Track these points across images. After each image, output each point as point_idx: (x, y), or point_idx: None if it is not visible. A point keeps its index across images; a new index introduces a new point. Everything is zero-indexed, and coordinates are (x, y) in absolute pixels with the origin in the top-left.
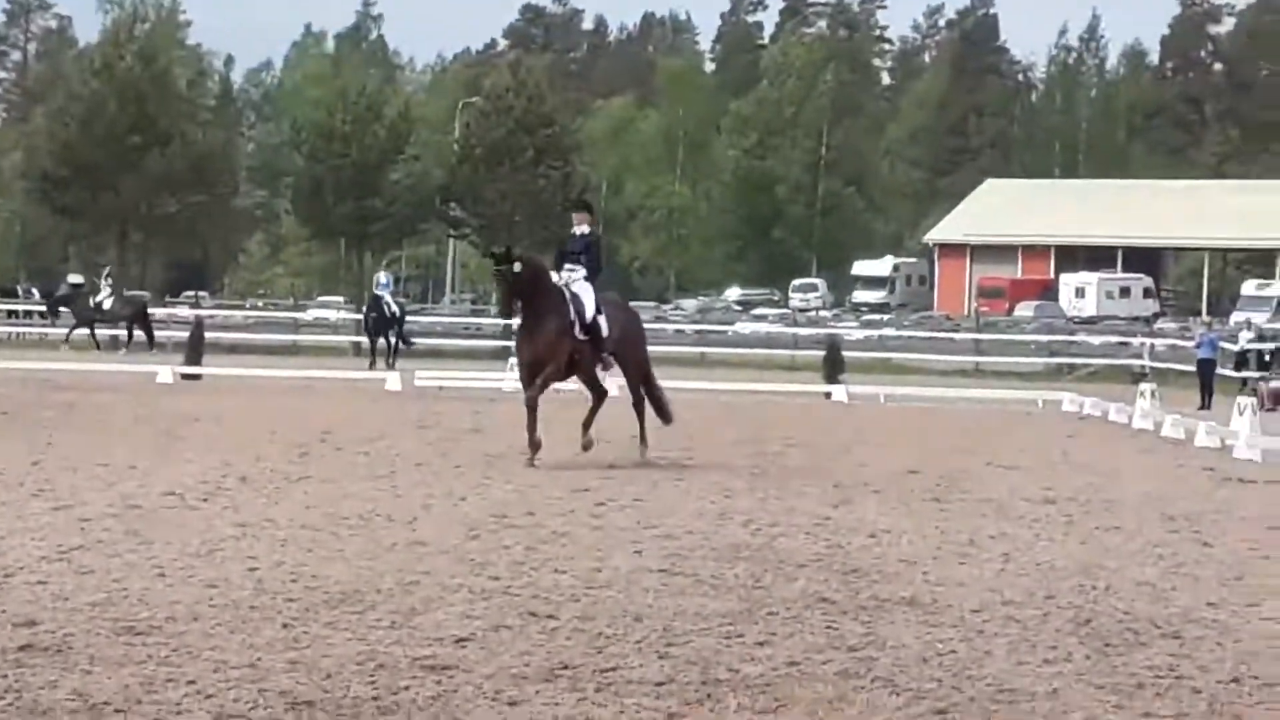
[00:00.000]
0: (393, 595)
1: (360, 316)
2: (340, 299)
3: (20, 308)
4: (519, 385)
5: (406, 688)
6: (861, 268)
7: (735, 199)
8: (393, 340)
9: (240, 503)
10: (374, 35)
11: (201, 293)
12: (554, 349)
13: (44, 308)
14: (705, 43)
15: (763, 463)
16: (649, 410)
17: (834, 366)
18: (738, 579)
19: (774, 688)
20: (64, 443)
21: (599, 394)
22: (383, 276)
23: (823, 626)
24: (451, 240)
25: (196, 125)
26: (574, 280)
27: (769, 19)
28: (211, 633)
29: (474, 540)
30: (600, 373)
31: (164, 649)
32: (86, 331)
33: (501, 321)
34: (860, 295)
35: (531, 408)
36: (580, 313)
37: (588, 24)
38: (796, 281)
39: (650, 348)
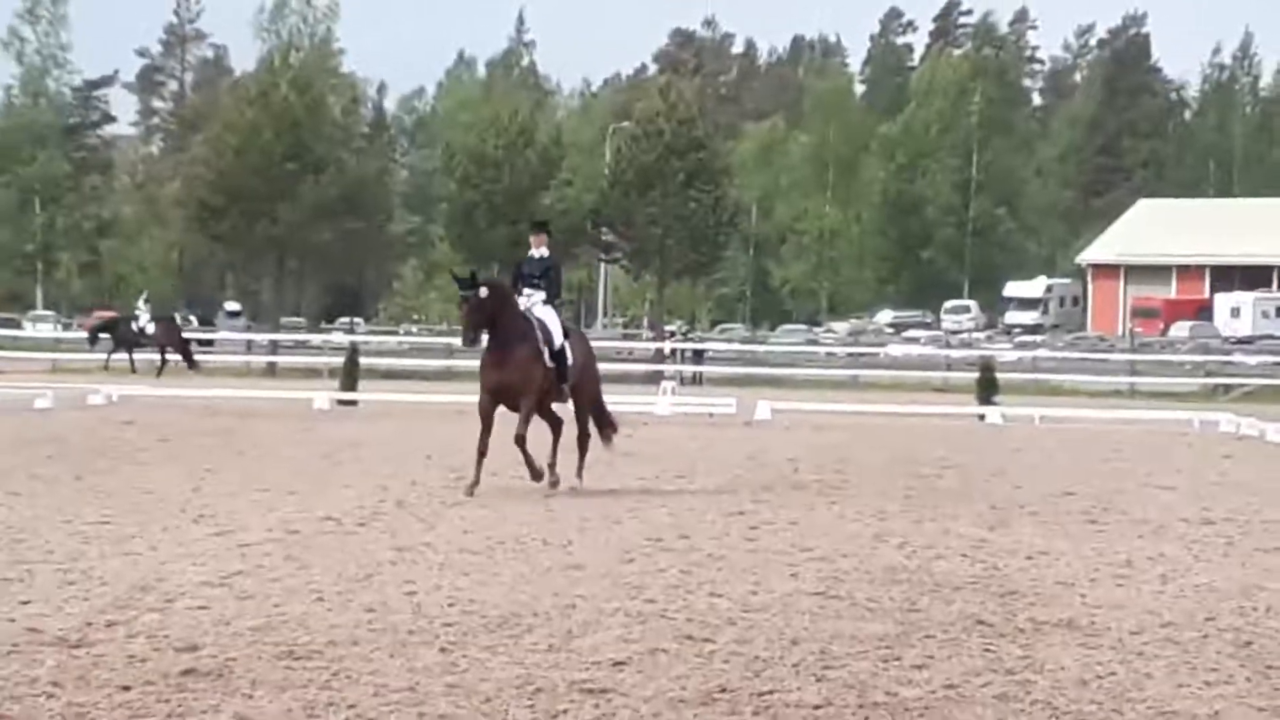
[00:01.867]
0: (550, 619)
1: None
2: None
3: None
4: (667, 408)
5: (564, 711)
6: (1014, 289)
7: (885, 221)
8: None
9: (397, 527)
10: (525, 61)
11: (356, 319)
12: (528, 375)
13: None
14: (855, 64)
15: (917, 485)
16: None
17: (988, 388)
18: (893, 602)
19: (932, 711)
20: (223, 469)
21: (557, 425)
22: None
23: (980, 649)
24: (603, 264)
25: (350, 152)
26: (535, 304)
27: (918, 40)
28: (370, 657)
29: (629, 564)
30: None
31: (324, 673)
32: (128, 355)
33: (653, 345)
34: (1013, 316)
35: (519, 444)
36: (549, 340)
37: (738, 47)
38: (949, 303)
39: (802, 371)
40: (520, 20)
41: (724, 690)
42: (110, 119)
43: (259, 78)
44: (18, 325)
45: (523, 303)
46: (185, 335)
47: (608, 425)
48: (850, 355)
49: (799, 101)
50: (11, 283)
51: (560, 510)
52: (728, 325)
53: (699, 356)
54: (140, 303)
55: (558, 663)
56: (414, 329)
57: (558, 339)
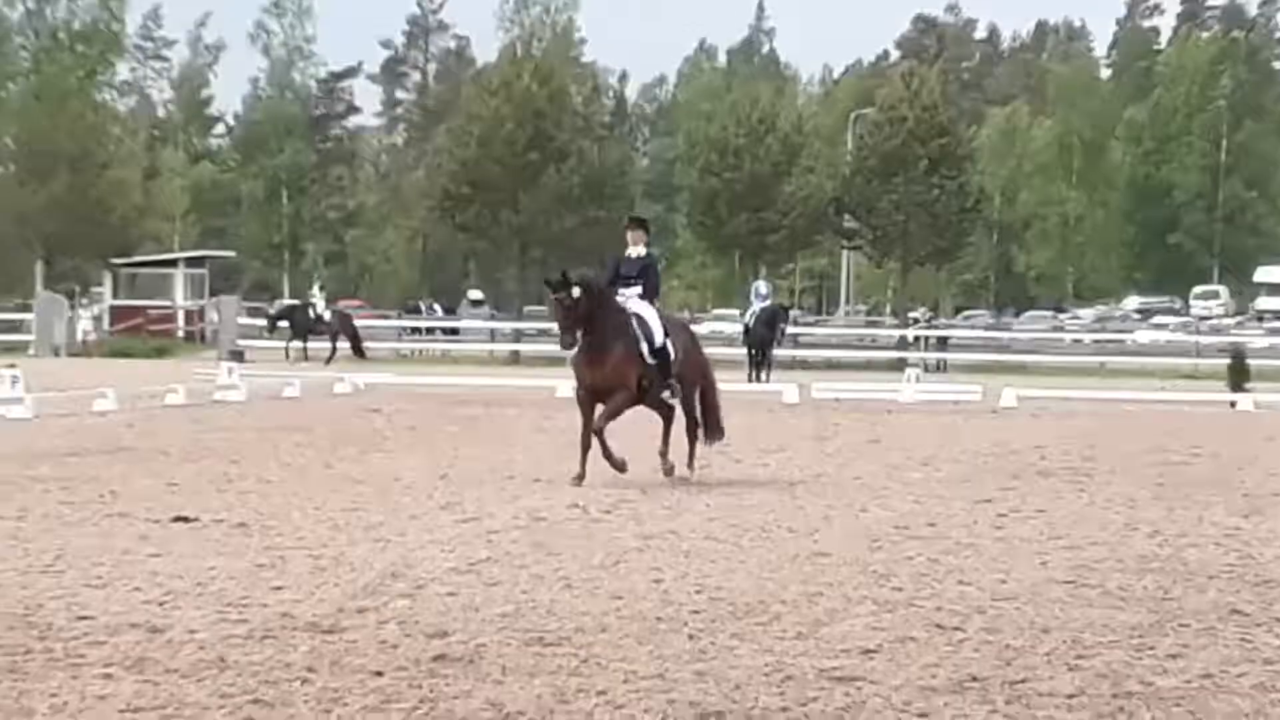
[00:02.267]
0: (797, 606)
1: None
2: (735, 312)
3: (424, 324)
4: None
5: (815, 699)
6: (1266, 274)
7: (1131, 205)
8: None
9: (643, 514)
10: (766, 49)
11: None
12: (622, 373)
13: (444, 325)
14: (1100, 48)
15: (1167, 473)
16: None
17: (1239, 375)
18: (1146, 590)
19: (1188, 701)
20: (469, 456)
21: (668, 414)
22: (762, 286)
23: (1236, 639)
24: (845, 251)
25: (592, 142)
26: (631, 302)
27: (1165, 23)
28: (619, 644)
29: (877, 551)
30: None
31: (573, 660)
32: (302, 343)
33: (897, 333)
34: (1265, 302)
35: (598, 434)
36: (649, 336)
37: (981, 32)
38: (1198, 289)
39: (1047, 358)
40: (761, 8)
41: (975, 679)
42: (355, 110)
43: (502, 68)
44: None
45: (621, 299)
46: (357, 324)
47: (716, 428)
48: (1097, 341)
49: (1043, 86)
50: (259, 272)
51: (806, 498)
52: (972, 312)
53: (943, 343)
54: (315, 291)
55: (806, 650)
56: None
57: (658, 336)
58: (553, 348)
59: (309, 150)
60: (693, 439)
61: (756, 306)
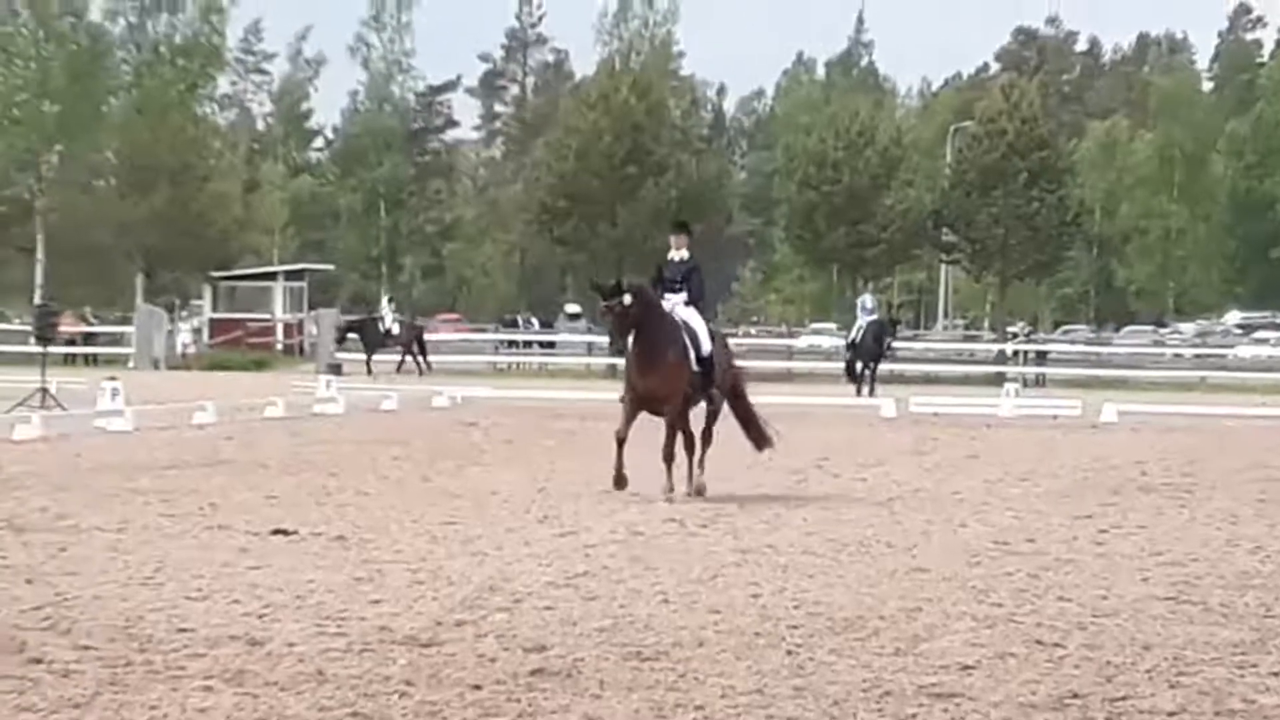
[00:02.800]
0: (896, 622)
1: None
2: (833, 325)
3: (521, 338)
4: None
5: (913, 715)
6: None
7: (1233, 219)
8: (874, 366)
9: (740, 528)
10: (864, 61)
11: None
12: (674, 381)
13: (541, 339)
14: (1202, 61)
15: (1269, 489)
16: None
17: None
18: (1248, 607)
19: None
20: (566, 470)
21: (705, 429)
22: (869, 300)
23: None
24: (943, 265)
25: (690, 155)
26: (677, 307)
27: (1268, 36)
28: (717, 658)
29: (976, 567)
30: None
31: (671, 674)
32: (367, 356)
33: (995, 347)
34: None
35: (668, 460)
36: (696, 344)
37: (1081, 45)
38: None
39: (1148, 373)
40: (860, 21)
41: (1075, 696)
42: (453, 123)
43: (600, 81)
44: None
45: (665, 305)
46: (425, 337)
47: (763, 437)
48: (1198, 356)
49: (1144, 99)
50: (358, 285)
51: (904, 513)
52: (1071, 326)
53: (1042, 358)
54: (384, 304)
55: (905, 666)
56: (753, 330)
57: (705, 344)
58: None
59: (407, 164)
60: (704, 445)
61: (864, 320)
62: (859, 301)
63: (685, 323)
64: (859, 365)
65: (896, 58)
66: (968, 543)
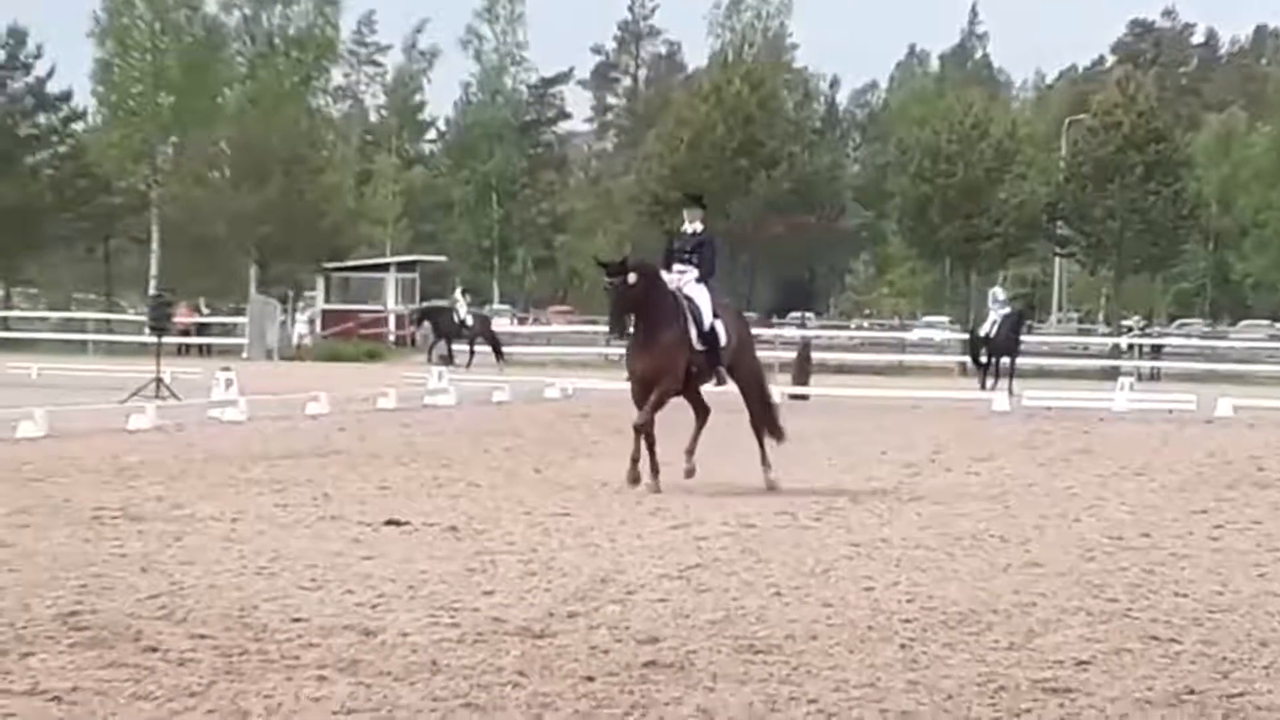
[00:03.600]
0: (1010, 617)
1: (967, 336)
2: (945, 319)
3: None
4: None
5: (1027, 710)
6: None
7: None
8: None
9: (853, 522)
10: (978, 54)
11: (808, 313)
12: (671, 361)
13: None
14: None
15: None
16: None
17: None
18: None
19: None
20: (677, 462)
21: (704, 412)
22: (1000, 292)
23: None
24: (1057, 259)
25: (802, 147)
26: (686, 283)
27: None
28: (830, 652)
29: (1090, 562)
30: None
31: (784, 667)
32: (447, 345)
33: (1110, 340)
34: None
35: (640, 431)
36: (697, 320)
37: (1198, 37)
38: None
39: (1265, 367)
40: (973, 13)
41: (1191, 692)
42: (565, 115)
43: (712, 73)
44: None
45: (672, 280)
46: (497, 329)
47: (776, 429)
48: None
49: (1261, 91)
50: (469, 277)
51: (1017, 507)
52: (1186, 320)
53: (1157, 352)
54: (458, 294)
55: (1019, 661)
56: (865, 323)
57: (707, 318)
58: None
59: (519, 156)
60: (760, 434)
61: (996, 314)
62: (990, 294)
63: (689, 299)
64: (992, 359)
65: (1011, 50)
66: (1082, 537)
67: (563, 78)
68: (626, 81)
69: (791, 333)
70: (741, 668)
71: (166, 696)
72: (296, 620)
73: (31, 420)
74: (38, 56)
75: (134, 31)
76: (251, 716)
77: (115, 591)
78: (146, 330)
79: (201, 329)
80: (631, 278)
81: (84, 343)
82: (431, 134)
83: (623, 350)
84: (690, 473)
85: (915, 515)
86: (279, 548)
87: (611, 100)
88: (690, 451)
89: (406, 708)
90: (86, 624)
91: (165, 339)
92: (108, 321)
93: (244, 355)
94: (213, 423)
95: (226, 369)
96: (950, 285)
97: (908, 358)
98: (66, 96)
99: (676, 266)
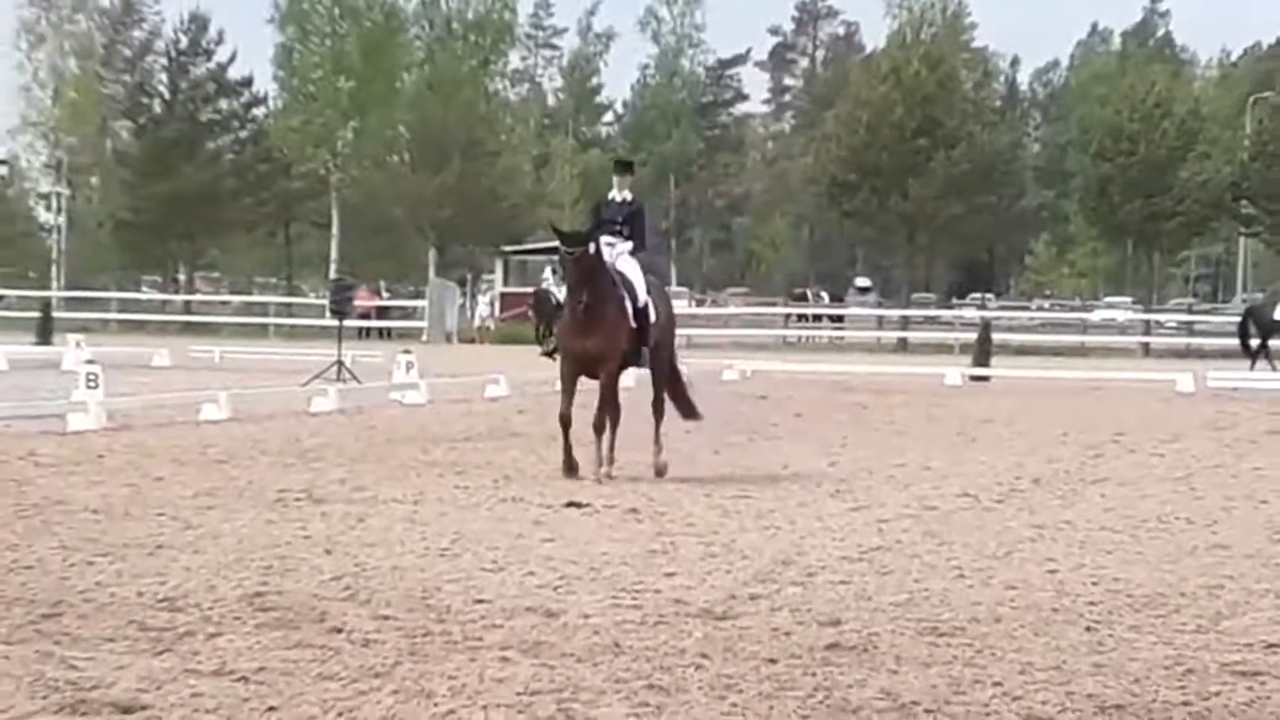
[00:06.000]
0: (1197, 599)
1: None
2: (1128, 299)
3: (810, 311)
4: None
5: (1217, 693)
6: None
7: None
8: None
9: (1035, 504)
10: (1161, 32)
11: (988, 294)
12: (614, 341)
13: (830, 312)
14: None
15: None
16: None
17: None
18: None
19: None
20: (858, 444)
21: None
22: None
23: None
24: (1242, 238)
25: (982, 127)
26: (618, 256)
27: None
28: (1014, 634)
29: (1278, 544)
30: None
31: (968, 650)
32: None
33: None
34: None
35: (599, 429)
36: (633, 297)
37: None
38: None
39: None
40: None
41: None
42: (742, 97)
43: (891, 54)
44: None
45: (606, 253)
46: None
47: (691, 409)
48: None
49: None
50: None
51: (1203, 489)
52: None
53: None
54: (547, 272)
55: (1207, 644)
56: (1046, 304)
57: (641, 295)
58: (940, 334)
59: (696, 138)
60: (659, 415)
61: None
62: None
63: (622, 274)
64: (1258, 339)
65: (1194, 27)
66: (1270, 519)
67: (740, 59)
68: (804, 63)
69: (971, 314)
70: (925, 650)
71: (351, 677)
72: (479, 601)
73: (215, 403)
74: (219, 43)
75: (313, 16)
76: (436, 697)
77: (300, 573)
78: (327, 314)
79: (381, 312)
80: (592, 248)
81: (265, 326)
82: (608, 116)
83: (801, 333)
84: (662, 469)
85: (1099, 497)
86: (460, 529)
87: (789, 81)
88: (613, 447)
89: (589, 689)
90: (272, 605)
91: (345, 322)
92: (288, 305)
93: (423, 338)
94: (393, 405)
95: (407, 351)
96: (1132, 265)
97: (1089, 339)
98: (248, 82)
99: (605, 239)
